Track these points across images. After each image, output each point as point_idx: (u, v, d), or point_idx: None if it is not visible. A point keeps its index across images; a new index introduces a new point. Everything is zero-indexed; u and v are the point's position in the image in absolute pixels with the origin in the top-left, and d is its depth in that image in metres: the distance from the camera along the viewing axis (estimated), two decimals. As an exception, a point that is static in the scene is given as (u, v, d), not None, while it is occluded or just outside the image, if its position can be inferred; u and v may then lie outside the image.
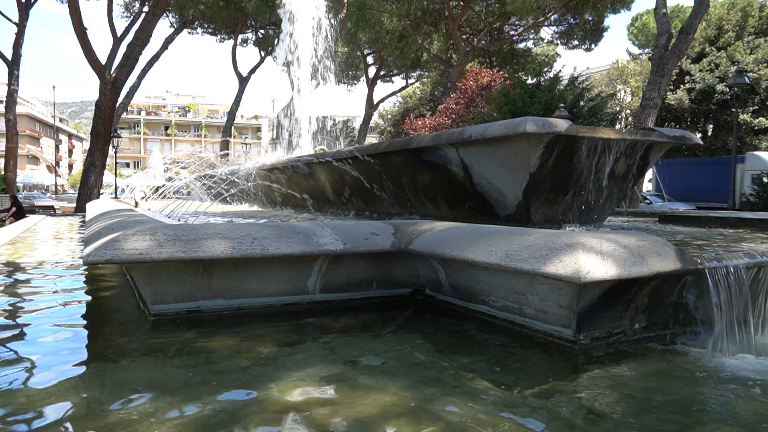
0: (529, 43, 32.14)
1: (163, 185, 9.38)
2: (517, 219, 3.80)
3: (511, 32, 30.36)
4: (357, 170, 5.14)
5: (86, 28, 17.48)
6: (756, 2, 25.55)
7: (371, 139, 41.15)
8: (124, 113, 31.34)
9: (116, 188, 24.21)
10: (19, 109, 32.53)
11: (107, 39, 22.87)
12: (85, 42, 17.42)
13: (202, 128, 74.36)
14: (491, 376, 1.87)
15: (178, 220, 4.20)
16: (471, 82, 19.59)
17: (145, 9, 21.04)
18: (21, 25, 22.84)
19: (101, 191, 19.72)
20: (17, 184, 29.46)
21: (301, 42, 11.21)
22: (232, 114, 32.80)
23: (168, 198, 7.87)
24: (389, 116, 44.24)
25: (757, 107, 23.49)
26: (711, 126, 25.66)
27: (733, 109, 14.56)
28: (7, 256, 4.62)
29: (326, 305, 2.80)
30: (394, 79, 38.21)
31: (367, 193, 5.29)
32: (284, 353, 2.10)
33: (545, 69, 20.89)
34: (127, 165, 65.45)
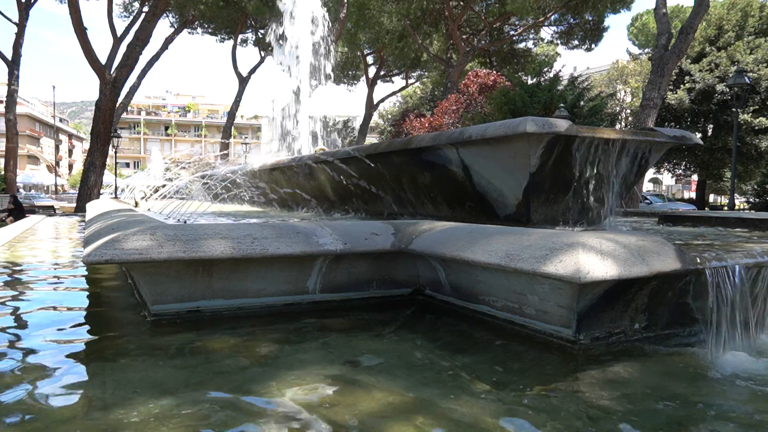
0: (529, 43, 32.17)
1: (164, 185, 9.37)
2: (517, 219, 3.80)
3: (511, 32, 30.35)
4: (357, 170, 5.13)
5: (86, 28, 17.50)
6: (756, 2, 25.49)
7: (371, 139, 41.15)
8: (124, 113, 31.35)
9: (116, 188, 24.20)
10: (19, 109, 32.51)
11: (107, 39, 22.89)
12: (85, 42, 17.43)
13: (202, 128, 74.34)
14: (491, 376, 1.87)
15: (178, 220, 4.19)
16: (470, 82, 19.61)
17: (145, 9, 21.05)
18: (21, 25, 22.83)
19: (101, 191, 19.73)
20: (17, 184, 29.44)
21: (300, 41, 11.20)
22: (232, 114, 32.78)
23: (168, 198, 7.87)
24: (389, 116, 44.26)
25: (757, 107, 23.41)
26: (711, 126, 25.60)
27: (734, 109, 14.53)
28: (6, 256, 4.62)
29: (326, 305, 2.80)
30: (394, 79, 38.21)
31: (367, 193, 5.29)
32: (284, 353, 2.10)
33: (545, 69, 20.85)
34: (127, 165, 65.45)
